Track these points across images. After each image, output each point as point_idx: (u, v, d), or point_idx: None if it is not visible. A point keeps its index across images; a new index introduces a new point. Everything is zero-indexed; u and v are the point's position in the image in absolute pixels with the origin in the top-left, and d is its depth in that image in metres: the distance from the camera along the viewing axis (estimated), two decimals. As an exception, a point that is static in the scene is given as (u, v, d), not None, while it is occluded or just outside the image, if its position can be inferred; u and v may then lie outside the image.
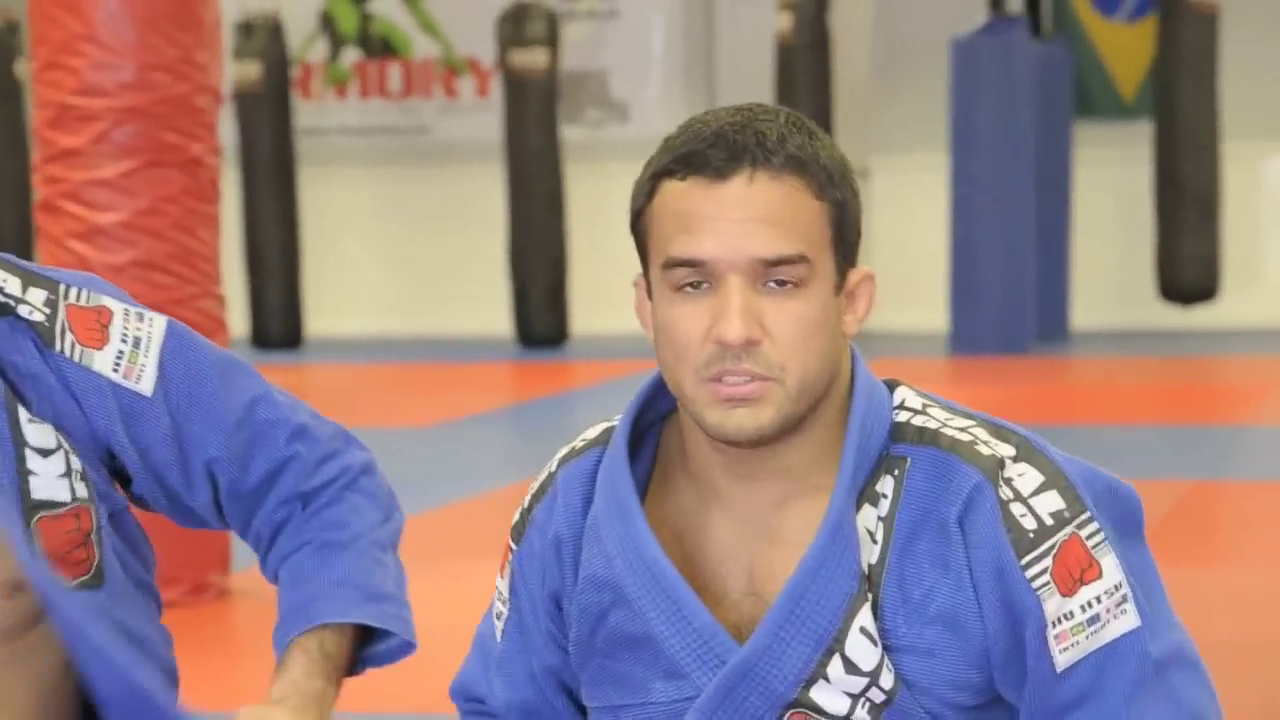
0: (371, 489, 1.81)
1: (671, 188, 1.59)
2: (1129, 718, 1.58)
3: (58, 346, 1.70)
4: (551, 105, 10.56)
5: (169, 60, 4.96)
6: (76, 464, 1.70)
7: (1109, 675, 1.59)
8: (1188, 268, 9.91)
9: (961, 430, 1.63)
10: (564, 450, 1.73)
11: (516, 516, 1.73)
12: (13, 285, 1.72)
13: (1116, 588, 1.59)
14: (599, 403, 8.62)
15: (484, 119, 11.36)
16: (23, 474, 1.67)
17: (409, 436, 7.82)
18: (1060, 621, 1.58)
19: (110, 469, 1.75)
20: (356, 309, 11.54)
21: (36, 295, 1.72)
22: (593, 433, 1.71)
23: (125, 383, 1.71)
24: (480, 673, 1.76)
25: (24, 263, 1.76)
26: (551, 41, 10.56)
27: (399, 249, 11.60)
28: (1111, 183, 10.82)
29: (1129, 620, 1.60)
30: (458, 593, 4.99)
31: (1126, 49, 10.97)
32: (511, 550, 1.73)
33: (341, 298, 11.47)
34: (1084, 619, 1.58)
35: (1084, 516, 1.60)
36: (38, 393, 1.70)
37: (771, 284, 1.57)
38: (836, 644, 1.59)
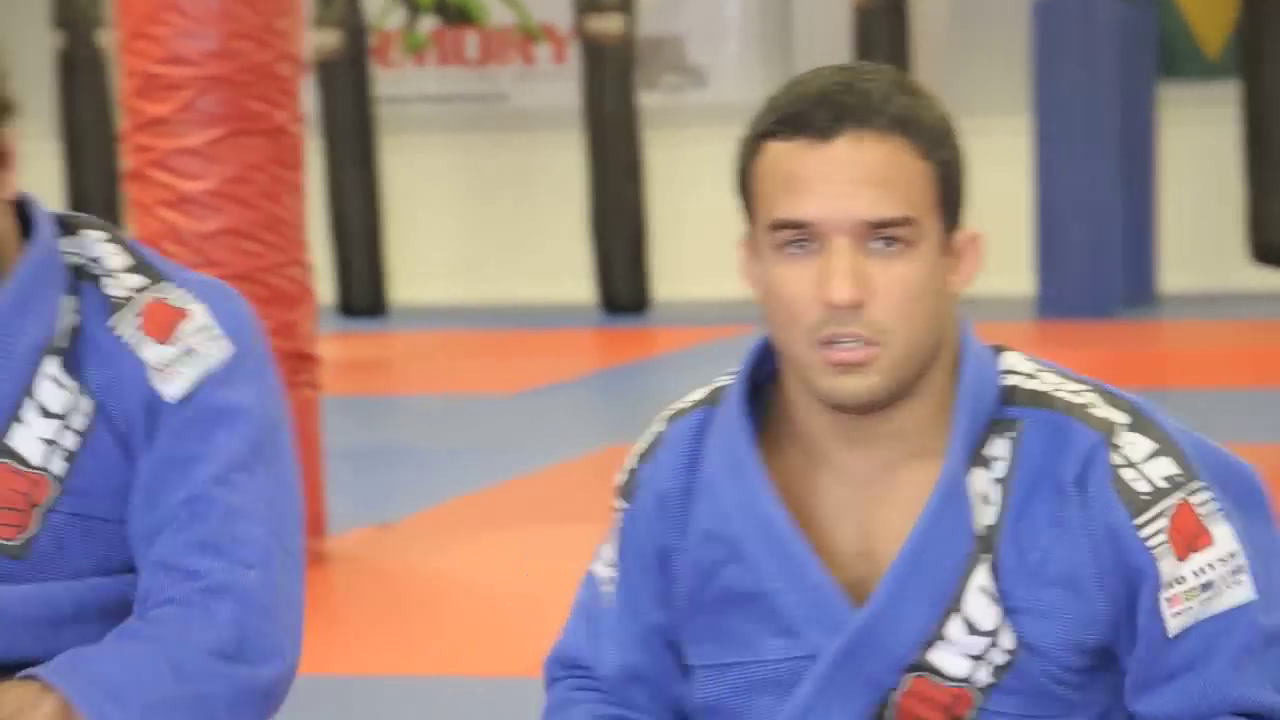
0: (229, 618, 1.68)
1: (776, 148, 1.58)
2: (1230, 684, 1.57)
3: (113, 321, 1.73)
4: (629, 71, 10.56)
5: (252, 28, 4.97)
6: (70, 444, 1.71)
7: (1218, 644, 1.57)
8: (1279, 228, 9.79)
9: (1074, 394, 1.62)
10: (668, 410, 1.72)
11: (624, 476, 1.72)
12: (117, 262, 1.76)
13: (1231, 556, 1.58)
14: (682, 369, 8.61)
15: (561, 85, 11.36)
16: (11, 417, 1.70)
17: (495, 403, 7.85)
18: (1174, 585, 1.57)
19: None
20: (439, 276, 11.59)
21: (132, 279, 1.76)
22: (699, 393, 1.70)
23: (155, 381, 1.72)
24: (586, 640, 1.74)
25: (151, 253, 1.77)
26: (628, 7, 10.56)
27: (479, 216, 11.64)
28: (1198, 143, 10.70)
29: (1243, 592, 1.58)
30: (543, 559, 5.01)
31: (1210, 7, 10.85)
32: (620, 510, 1.72)
33: (424, 265, 11.52)
34: (1197, 584, 1.57)
35: (1196, 485, 1.58)
36: (102, 364, 1.73)
37: (878, 244, 1.56)
38: (955, 605, 1.58)
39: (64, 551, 1.72)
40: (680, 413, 1.70)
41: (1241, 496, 1.62)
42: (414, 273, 11.42)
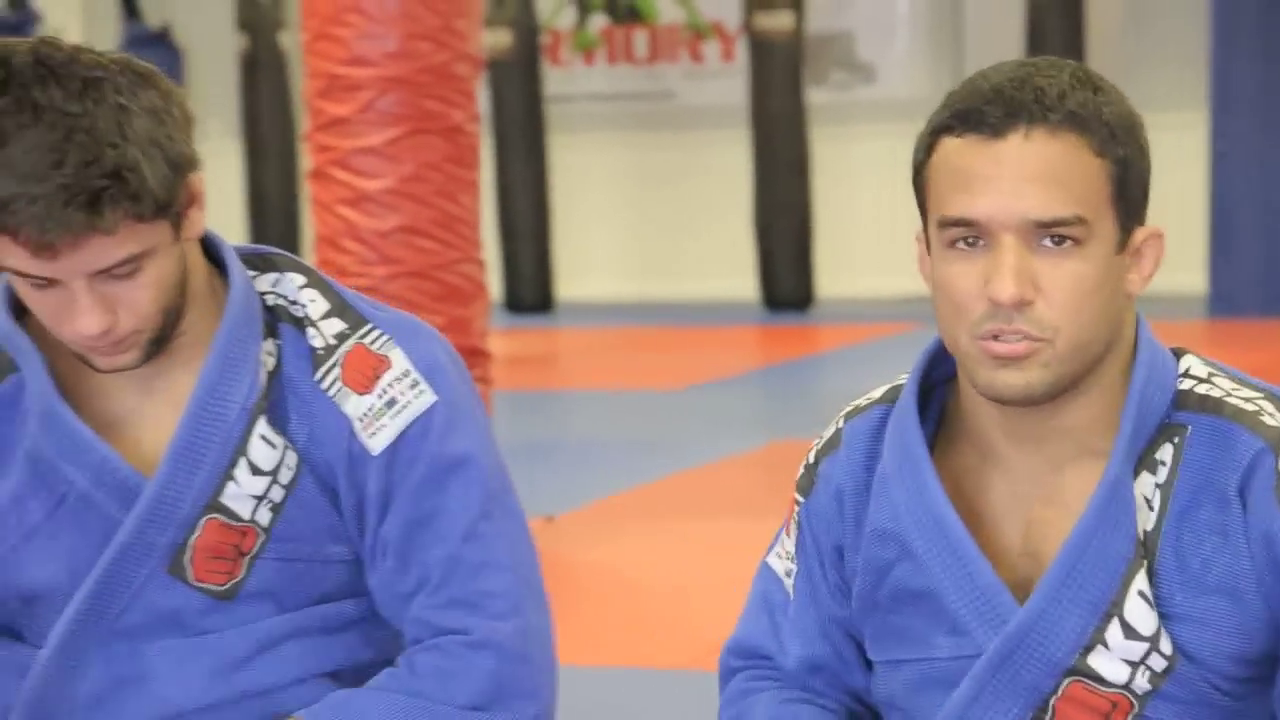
0: (486, 671, 1.76)
1: (949, 144, 1.57)
2: None
3: (318, 375, 1.77)
4: (797, 68, 10.52)
5: (430, 29, 5.05)
6: (277, 496, 1.76)
7: None
8: None
9: (1247, 401, 1.60)
10: (849, 407, 1.73)
11: (801, 471, 1.74)
12: (317, 309, 1.79)
13: None
14: (846, 366, 8.60)
15: (729, 83, 11.36)
16: (225, 476, 1.75)
17: (659, 398, 7.89)
18: None
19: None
20: (605, 272, 11.64)
21: (332, 326, 1.79)
22: (878, 392, 1.72)
23: (360, 434, 1.76)
24: (768, 630, 1.76)
25: (349, 294, 1.82)
26: (796, 3, 10.51)
27: (646, 213, 11.67)
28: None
29: None
30: (698, 548, 5.05)
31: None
32: (798, 504, 1.73)
33: (590, 262, 11.57)
34: None
35: None
36: (302, 409, 1.77)
37: (1047, 241, 1.54)
38: (1115, 609, 1.57)
39: (270, 591, 1.78)
40: (859, 410, 1.71)
41: None
42: (580, 269, 11.48)
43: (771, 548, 1.78)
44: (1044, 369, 1.55)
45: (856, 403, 1.73)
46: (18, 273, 1.66)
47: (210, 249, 1.80)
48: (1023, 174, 1.54)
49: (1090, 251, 1.55)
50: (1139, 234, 1.60)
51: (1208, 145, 9.68)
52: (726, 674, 1.79)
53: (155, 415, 1.77)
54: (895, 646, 1.67)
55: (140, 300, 1.68)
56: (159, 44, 11.33)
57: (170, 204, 1.66)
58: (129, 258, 1.65)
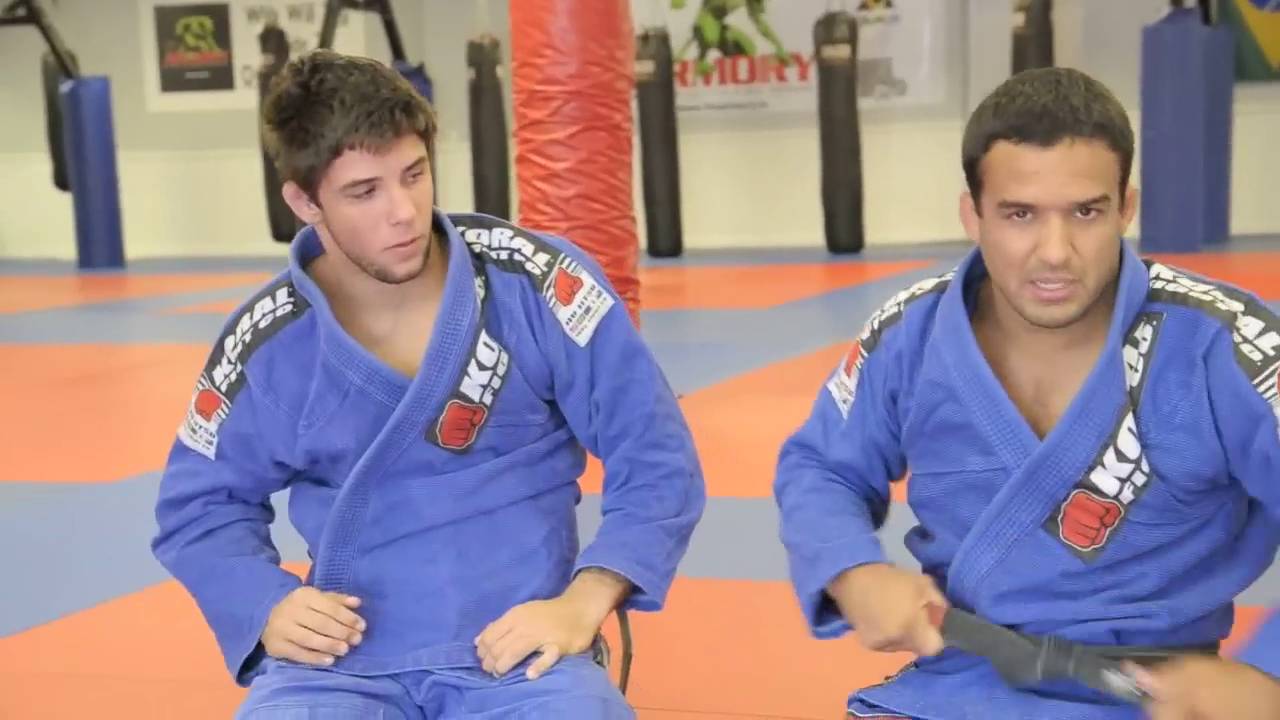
0: (680, 489, 1.79)
1: (1005, 148, 1.50)
2: None
3: (543, 290, 1.75)
4: (852, 84, 10.37)
5: (599, 58, 5.00)
6: (496, 384, 1.74)
7: None
8: (1322, 188, 9.22)
9: (1204, 293, 1.54)
10: (905, 294, 1.67)
11: (866, 334, 1.68)
12: (527, 250, 1.77)
13: None
14: (886, 291, 8.42)
15: (805, 96, 11.24)
16: (462, 372, 1.73)
17: (754, 313, 7.83)
18: None
19: (549, 388, 1.79)
20: (717, 228, 11.60)
21: (541, 258, 1.76)
22: (929, 284, 1.66)
23: (571, 334, 1.75)
24: (820, 433, 1.72)
25: (539, 234, 1.81)
26: (852, 39, 10.35)
27: (745, 187, 11.60)
28: (1262, 126, 10.15)
29: None
30: (783, 414, 4.98)
31: (1274, 30, 10.22)
32: (862, 356, 1.68)
33: (707, 220, 11.53)
34: None
35: None
36: (512, 323, 1.75)
37: (1079, 214, 1.49)
38: (1111, 439, 1.52)
39: (492, 446, 1.77)
40: (916, 296, 1.65)
41: None
42: (700, 226, 11.44)
43: (831, 379, 1.73)
44: (1079, 303, 1.51)
45: (912, 290, 1.67)
46: (354, 184, 1.65)
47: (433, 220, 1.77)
48: (1069, 170, 1.48)
49: (1108, 217, 1.51)
50: (1128, 191, 1.54)
51: (1139, 132, 9.39)
52: (784, 454, 1.76)
53: (403, 336, 1.75)
54: (936, 463, 1.62)
55: (424, 199, 1.68)
56: (417, 76, 11.36)
57: (433, 130, 1.69)
58: (419, 159, 1.66)
